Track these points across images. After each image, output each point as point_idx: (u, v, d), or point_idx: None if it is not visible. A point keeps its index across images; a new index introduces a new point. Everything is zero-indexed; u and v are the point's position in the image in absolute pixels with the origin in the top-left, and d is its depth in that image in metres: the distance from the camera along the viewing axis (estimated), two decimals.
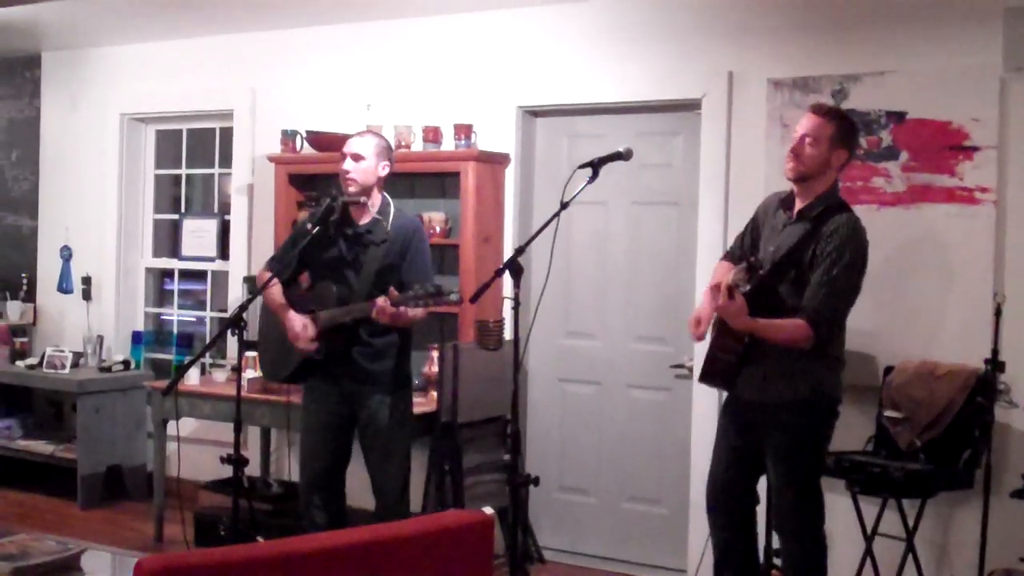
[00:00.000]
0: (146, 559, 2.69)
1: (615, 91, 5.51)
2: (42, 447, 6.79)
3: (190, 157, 7.18)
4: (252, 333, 4.99)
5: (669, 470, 5.50)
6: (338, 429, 4.70)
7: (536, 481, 4.02)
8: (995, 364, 4.40)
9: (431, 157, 5.73)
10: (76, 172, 7.28)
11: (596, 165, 3.98)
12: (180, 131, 7.17)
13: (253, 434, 6.24)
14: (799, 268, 3.91)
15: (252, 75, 6.59)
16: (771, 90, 5.07)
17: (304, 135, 6.10)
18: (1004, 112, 4.62)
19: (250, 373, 5.56)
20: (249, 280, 6.27)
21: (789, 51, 5.07)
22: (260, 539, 4.29)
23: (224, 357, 6.46)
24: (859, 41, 4.92)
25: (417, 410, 4.95)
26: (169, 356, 7.18)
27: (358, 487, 4.94)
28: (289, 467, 6.26)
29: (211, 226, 6.97)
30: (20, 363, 6.97)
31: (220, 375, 6.05)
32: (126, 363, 6.88)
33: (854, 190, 4.82)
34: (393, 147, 4.89)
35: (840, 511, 4.63)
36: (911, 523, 4.51)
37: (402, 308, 4.34)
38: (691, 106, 5.35)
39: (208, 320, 7.09)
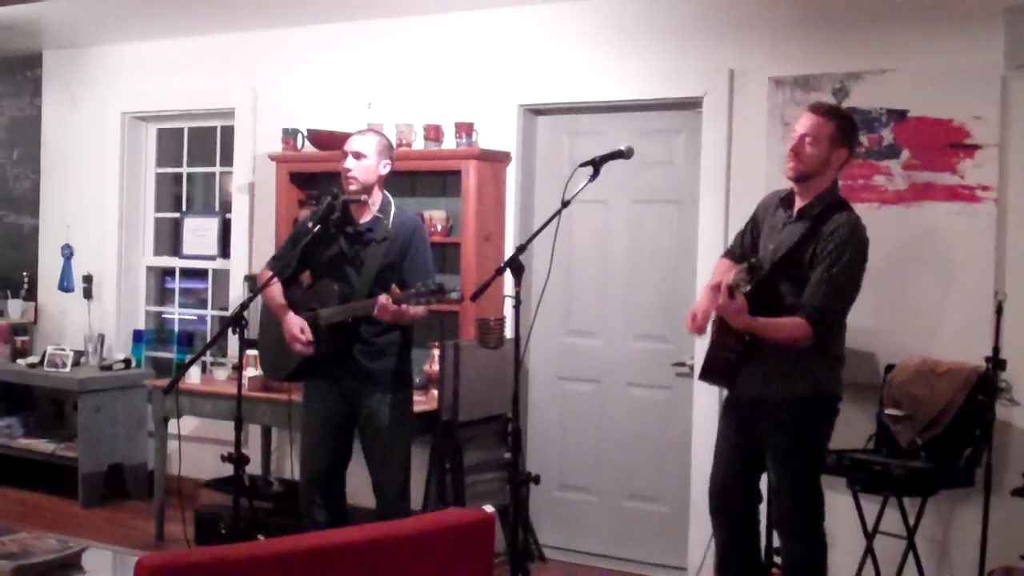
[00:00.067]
0: (147, 557, 2.69)
1: (616, 89, 5.51)
2: (43, 446, 6.79)
3: (191, 155, 7.18)
4: (253, 331, 4.99)
5: (670, 468, 5.50)
6: (338, 428, 4.70)
7: (537, 479, 4.02)
8: (996, 362, 4.40)
9: (432, 155, 5.73)
10: (77, 170, 7.28)
11: (597, 163, 3.98)
12: (181, 129, 7.17)
13: (254, 432, 6.24)
14: (799, 267, 3.91)
15: (253, 73, 6.59)
16: (772, 88, 5.07)
17: (305, 133, 6.10)
18: (1005, 110, 4.61)
19: (251, 371, 5.55)
20: (250, 279, 6.27)
21: (790, 49, 5.07)
22: (261, 538, 4.29)
23: (225, 355, 6.46)
24: (860, 39, 4.92)
25: (418, 408, 4.95)
26: (170, 355, 7.18)
27: (359, 486, 4.94)
28: (290, 466, 6.26)
29: (212, 224, 6.97)
30: (21, 362, 6.97)
31: (221, 373, 6.05)
32: (127, 361, 6.88)
33: (855, 188, 4.82)
34: (394, 145, 4.89)
35: (841, 509, 4.63)
36: (912, 521, 4.51)
37: (403, 306, 4.34)
38: (692, 104, 5.35)
39: (209, 319, 7.09)
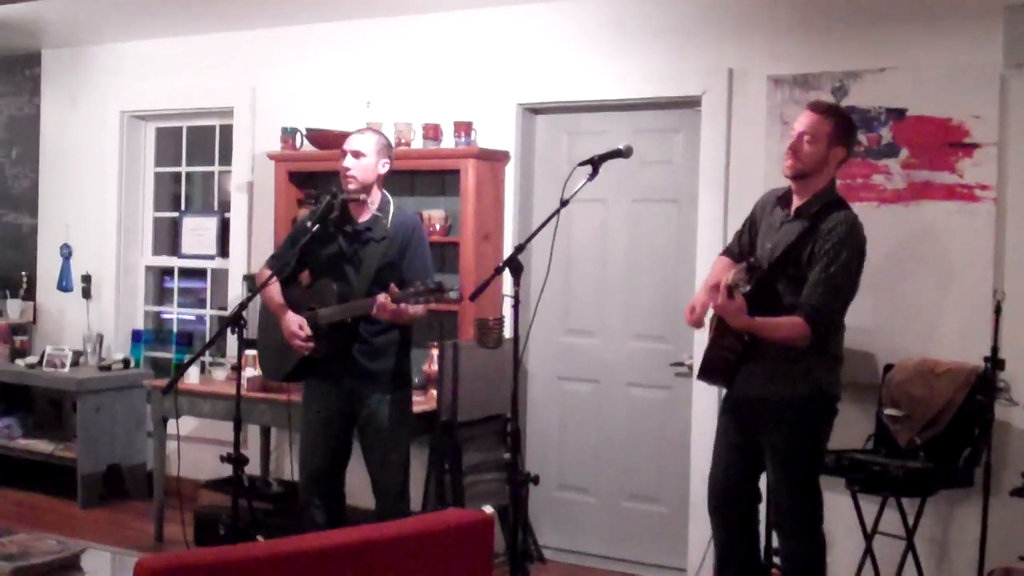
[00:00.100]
0: (146, 558, 2.69)
1: (615, 88, 5.51)
2: (42, 446, 6.79)
3: (190, 155, 7.17)
4: (252, 331, 4.98)
5: (669, 468, 5.50)
6: (338, 428, 4.70)
7: (536, 480, 4.02)
8: (995, 362, 4.40)
9: (431, 155, 5.73)
10: (76, 170, 7.28)
11: (596, 162, 3.98)
12: (180, 128, 7.17)
13: (253, 433, 6.24)
14: (797, 266, 3.91)
15: (252, 72, 6.59)
16: (771, 87, 5.07)
17: (304, 132, 6.10)
18: (1004, 109, 4.61)
19: (250, 371, 5.55)
20: (249, 278, 6.27)
21: (789, 48, 5.07)
22: (260, 538, 4.29)
23: (224, 355, 6.46)
24: (859, 38, 4.92)
25: (417, 409, 4.95)
26: (169, 354, 7.18)
27: (358, 486, 4.94)
28: (289, 466, 6.26)
29: (211, 224, 6.97)
30: (20, 362, 6.97)
31: (220, 373, 6.05)
32: (126, 362, 6.88)
33: (854, 187, 4.82)
34: (393, 144, 4.89)
35: (840, 510, 4.62)
36: (911, 521, 4.51)
37: (402, 305, 4.34)
38: (691, 103, 5.34)
39: (208, 318, 7.09)
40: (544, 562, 5.66)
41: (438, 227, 5.70)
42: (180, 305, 7.22)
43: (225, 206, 6.92)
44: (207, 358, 6.58)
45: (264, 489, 5.98)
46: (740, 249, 4.25)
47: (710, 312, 4.07)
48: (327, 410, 4.68)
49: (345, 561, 2.86)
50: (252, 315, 5.03)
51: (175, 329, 7.22)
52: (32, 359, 6.92)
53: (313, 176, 6.11)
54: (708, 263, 4.86)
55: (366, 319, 4.51)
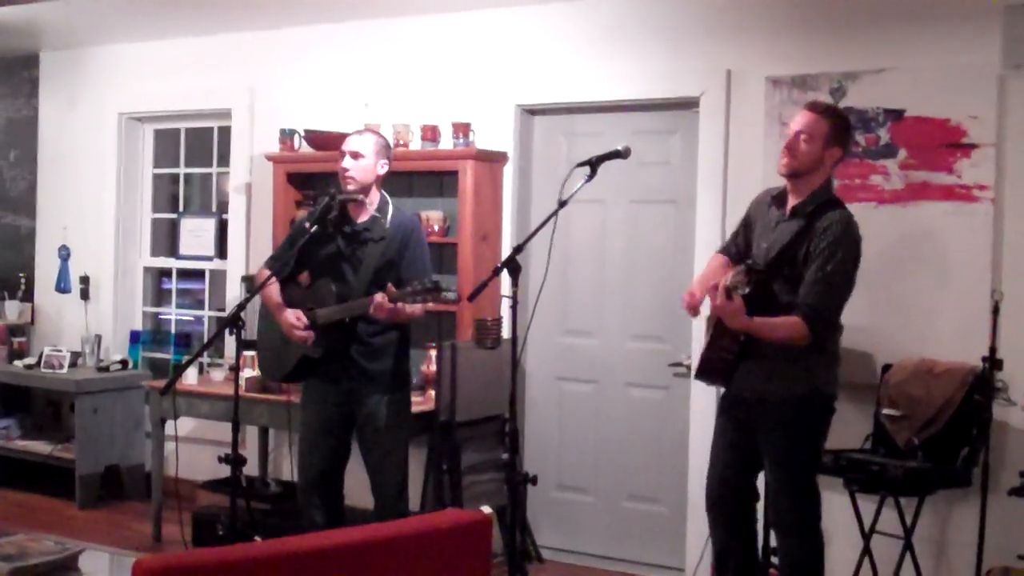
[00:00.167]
0: (144, 559, 2.69)
1: (613, 89, 5.51)
2: (40, 447, 6.78)
3: (188, 156, 7.17)
4: (250, 332, 4.98)
5: (667, 468, 5.50)
6: (336, 428, 4.70)
7: (534, 480, 4.02)
8: (993, 362, 4.40)
9: (429, 156, 5.73)
10: (74, 171, 7.28)
11: (594, 163, 3.98)
12: (178, 130, 7.17)
13: (251, 433, 6.25)
14: (793, 265, 3.91)
15: (250, 74, 6.59)
16: (769, 88, 5.07)
17: (302, 134, 6.10)
18: (1002, 110, 4.61)
19: (248, 372, 5.55)
20: (247, 279, 6.27)
21: (787, 49, 5.07)
22: (258, 539, 4.28)
23: (222, 356, 6.46)
24: (857, 39, 4.92)
25: (415, 409, 4.95)
26: (167, 355, 7.17)
27: (357, 486, 4.94)
28: (288, 467, 6.26)
29: (209, 225, 6.97)
30: (18, 363, 6.97)
31: (218, 374, 6.05)
32: (124, 363, 6.88)
33: (852, 187, 4.82)
34: (391, 145, 4.89)
35: (838, 509, 4.62)
36: (909, 521, 4.51)
37: (399, 304, 4.34)
38: (689, 104, 5.35)
39: (206, 319, 7.08)
40: (542, 562, 5.66)
41: (436, 228, 5.70)
42: (178, 306, 7.22)
43: (223, 207, 6.92)
44: (205, 359, 6.58)
45: (262, 489, 5.99)
46: (736, 248, 4.26)
47: (706, 311, 4.07)
48: (326, 411, 4.68)
49: (344, 561, 2.87)
50: (250, 316, 5.03)
51: (173, 330, 7.22)
52: (30, 360, 6.92)
53: (311, 177, 6.11)
54: (706, 264, 4.87)
55: (364, 319, 4.51)
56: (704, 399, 5.18)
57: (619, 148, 4.05)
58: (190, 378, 5.95)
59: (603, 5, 5.53)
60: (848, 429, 4.61)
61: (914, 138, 4.77)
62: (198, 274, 7.11)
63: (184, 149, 7.17)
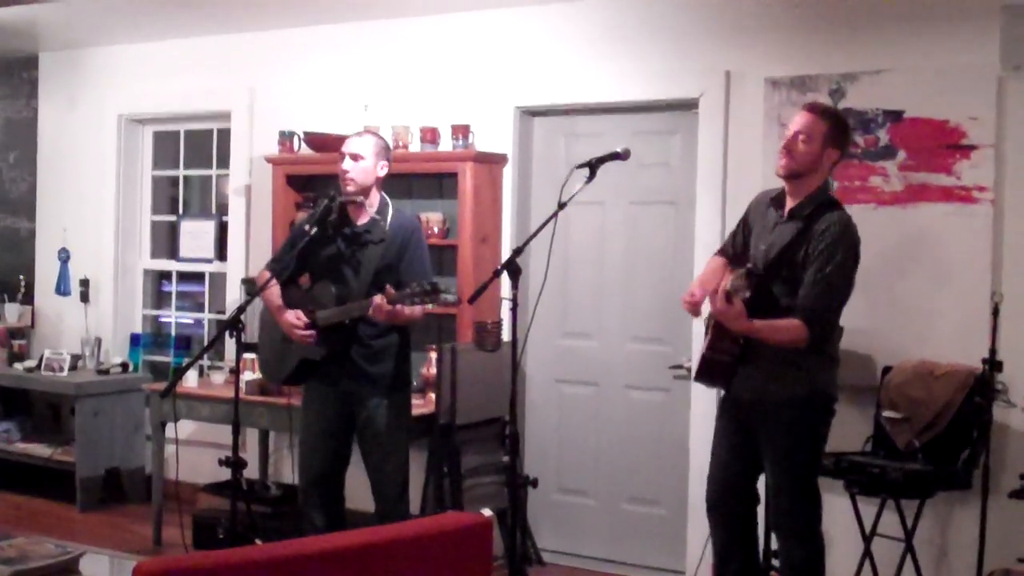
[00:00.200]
0: (144, 562, 2.68)
1: (612, 91, 5.51)
2: (40, 450, 6.78)
3: (188, 158, 7.17)
4: (250, 335, 4.99)
5: (668, 471, 5.50)
6: (337, 431, 4.70)
7: (535, 483, 4.03)
8: (993, 364, 4.40)
9: (429, 157, 5.73)
10: (74, 173, 7.28)
11: (594, 165, 3.99)
12: (178, 132, 7.17)
13: (251, 436, 6.24)
14: (792, 268, 3.91)
15: (250, 76, 6.59)
16: (768, 89, 5.07)
17: (302, 136, 6.10)
18: (1001, 111, 4.62)
19: (248, 375, 5.55)
20: (247, 281, 6.26)
21: (786, 50, 5.07)
22: (259, 542, 4.29)
23: (222, 359, 6.46)
24: (856, 40, 4.92)
25: (415, 412, 4.95)
26: (167, 358, 7.17)
27: (358, 489, 4.94)
28: (288, 470, 6.25)
29: (209, 227, 6.97)
30: (18, 365, 6.97)
31: (218, 377, 6.05)
32: (124, 365, 6.87)
33: (851, 189, 4.82)
34: (391, 147, 4.89)
35: (839, 511, 4.62)
36: (910, 523, 4.51)
37: (398, 306, 4.34)
38: (688, 105, 5.35)
39: (206, 322, 7.08)
40: (543, 565, 5.66)
41: (436, 230, 5.70)
42: (178, 309, 7.22)
43: (223, 210, 6.92)
44: (205, 362, 6.58)
45: (263, 492, 5.98)
46: (734, 250, 4.26)
47: (705, 312, 4.07)
48: (326, 413, 4.68)
49: (344, 564, 2.86)
50: (250, 318, 5.04)
51: (173, 333, 7.22)
52: (30, 363, 6.92)
53: (311, 179, 6.11)
54: (705, 265, 4.87)
55: (364, 321, 4.51)
56: (704, 401, 5.17)
57: (618, 150, 4.05)
58: (190, 381, 5.95)
59: (602, 6, 5.53)
60: (848, 431, 4.61)
61: (913, 139, 4.77)
62: (198, 276, 7.11)
63: (184, 151, 7.17)
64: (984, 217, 4.64)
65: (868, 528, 4.56)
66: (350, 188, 4.60)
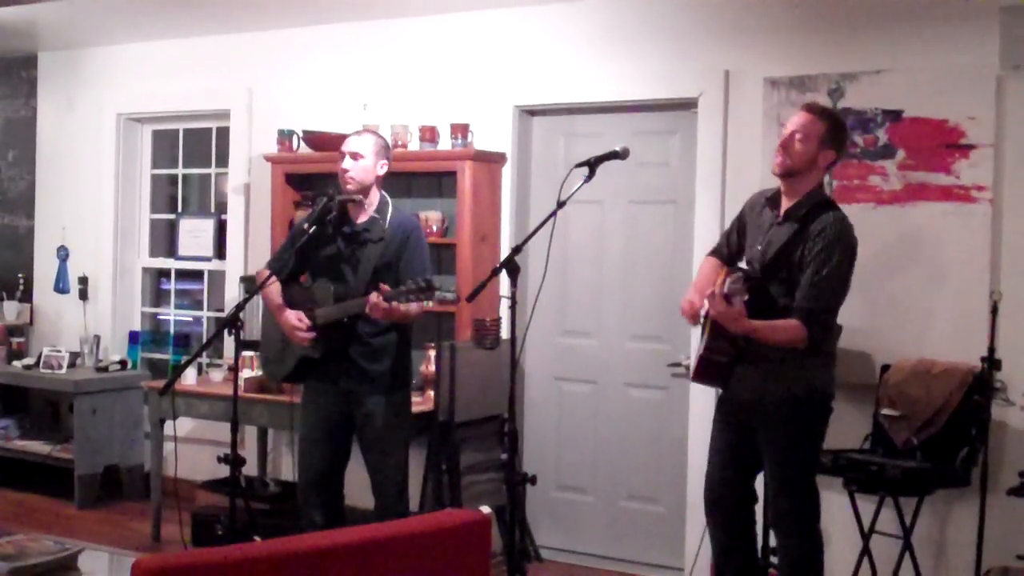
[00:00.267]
0: (143, 559, 2.69)
1: (611, 90, 5.52)
2: (39, 447, 6.78)
3: (187, 157, 7.17)
4: (248, 333, 4.99)
5: (666, 468, 5.50)
6: (336, 429, 4.70)
7: (533, 480, 4.02)
8: (991, 362, 4.40)
9: (428, 156, 5.73)
10: (73, 172, 7.27)
11: (592, 164, 3.98)
12: (177, 131, 7.17)
13: (250, 434, 6.25)
14: (789, 268, 3.92)
15: (248, 75, 6.59)
16: (767, 89, 5.08)
17: (301, 135, 6.10)
18: (1000, 110, 4.62)
19: (247, 372, 5.55)
20: (246, 280, 6.27)
21: (785, 50, 5.07)
22: (257, 539, 4.28)
23: (221, 357, 6.46)
24: (855, 40, 4.93)
25: (414, 409, 4.95)
26: (166, 356, 7.17)
27: (357, 486, 4.94)
28: (287, 467, 6.26)
29: (208, 226, 6.97)
30: (17, 363, 6.97)
31: (217, 375, 6.05)
32: (123, 363, 6.88)
33: (850, 188, 4.83)
34: (390, 146, 4.90)
35: (837, 509, 4.63)
36: (908, 521, 4.51)
37: (394, 303, 4.34)
38: (688, 105, 5.35)
39: (205, 320, 7.08)
40: (542, 562, 5.66)
41: (435, 229, 5.70)
42: (177, 307, 7.22)
43: (222, 208, 6.92)
44: (204, 359, 6.58)
45: (261, 490, 5.99)
46: (728, 250, 4.26)
47: (702, 313, 4.07)
48: (326, 411, 4.68)
49: (343, 561, 2.87)
50: (249, 316, 5.04)
51: (172, 330, 7.22)
52: (29, 361, 6.92)
53: (310, 178, 6.11)
54: (699, 267, 4.87)
55: (363, 320, 4.51)
56: (703, 399, 5.18)
57: (617, 149, 4.05)
58: (189, 378, 5.95)
59: (602, 6, 5.53)
60: (847, 429, 4.61)
61: (912, 139, 4.77)
62: (197, 275, 7.11)
63: (182, 150, 7.17)
64: (983, 216, 4.64)
65: (867, 526, 4.57)
66: (350, 187, 4.60)
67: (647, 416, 5.59)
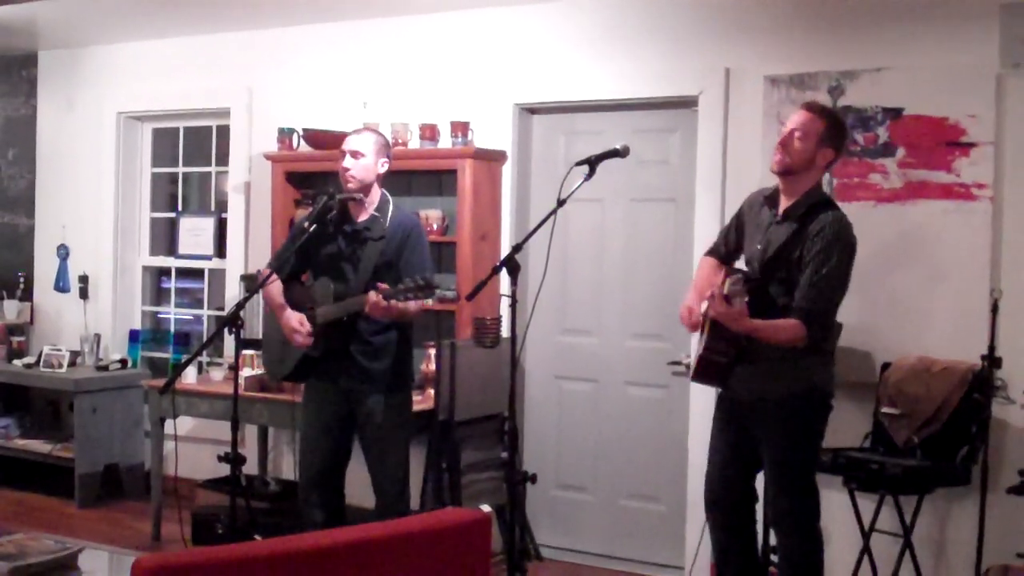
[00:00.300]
0: (143, 558, 2.69)
1: (612, 88, 5.51)
2: (39, 446, 6.78)
3: (187, 155, 7.17)
4: (249, 331, 4.99)
5: (666, 467, 5.50)
6: (337, 428, 4.70)
7: (533, 479, 4.02)
8: (992, 360, 4.41)
9: (428, 155, 5.73)
10: (73, 171, 7.27)
11: (593, 162, 3.98)
12: (177, 129, 7.17)
13: (251, 432, 6.25)
14: (788, 268, 3.92)
15: (249, 73, 6.59)
16: (768, 87, 5.07)
17: (301, 133, 6.09)
18: (1001, 108, 4.62)
19: (247, 371, 5.55)
20: (246, 278, 6.27)
21: (786, 48, 5.07)
22: (258, 537, 4.28)
23: (221, 355, 6.46)
24: (856, 38, 4.92)
25: (414, 408, 4.95)
26: (166, 355, 7.17)
27: (358, 485, 4.94)
28: (287, 465, 6.26)
29: (208, 224, 6.97)
30: (17, 362, 6.97)
31: (217, 373, 6.04)
32: (123, 362, 6.88)
33: (850, 186, 4.83)
34: (390, 144, 4.89)
35: (837, 508, 4.63)
36: (908, 520, 4.52)
37: (393, 302, 4.33)
38: (688, 103, 5.35)
39: (205, 318, 7.08)
40: (542, 560, 5.66)
41: (435, 227, 5.70)
42: (177, 305, 7.22)
43: (222, 207, 6.92)
44: (204, 358, 6.58)
45: (262, 488, 5.99)
46: (727, 248, 4.26)
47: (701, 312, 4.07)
48: (326, 410, 4.68)
49: (343, 560, 2.86)
50: (249, 315, 5.04)
51: (172, 329, 7.22)
52: (29, 359, 6.92)
53: (310, 176, 6.11)
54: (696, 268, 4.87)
55: (364, 318, 4.51)
56: (703, 398, 5.17)
57: (618, 147, 4.05)
58: (189, 377, 5.95)
59: (602, 4, 5.53)
60: (847, 428, 4.61)
61: (913, 137, 4.77)
62: (197, 273, 7.11)
63: (183, 148, 7.16)
64: (983, 214, 4.64)
65: (867, 524, 4.57)
66: (351, 185, 4.60)
67: (647, 415, 5.59)
